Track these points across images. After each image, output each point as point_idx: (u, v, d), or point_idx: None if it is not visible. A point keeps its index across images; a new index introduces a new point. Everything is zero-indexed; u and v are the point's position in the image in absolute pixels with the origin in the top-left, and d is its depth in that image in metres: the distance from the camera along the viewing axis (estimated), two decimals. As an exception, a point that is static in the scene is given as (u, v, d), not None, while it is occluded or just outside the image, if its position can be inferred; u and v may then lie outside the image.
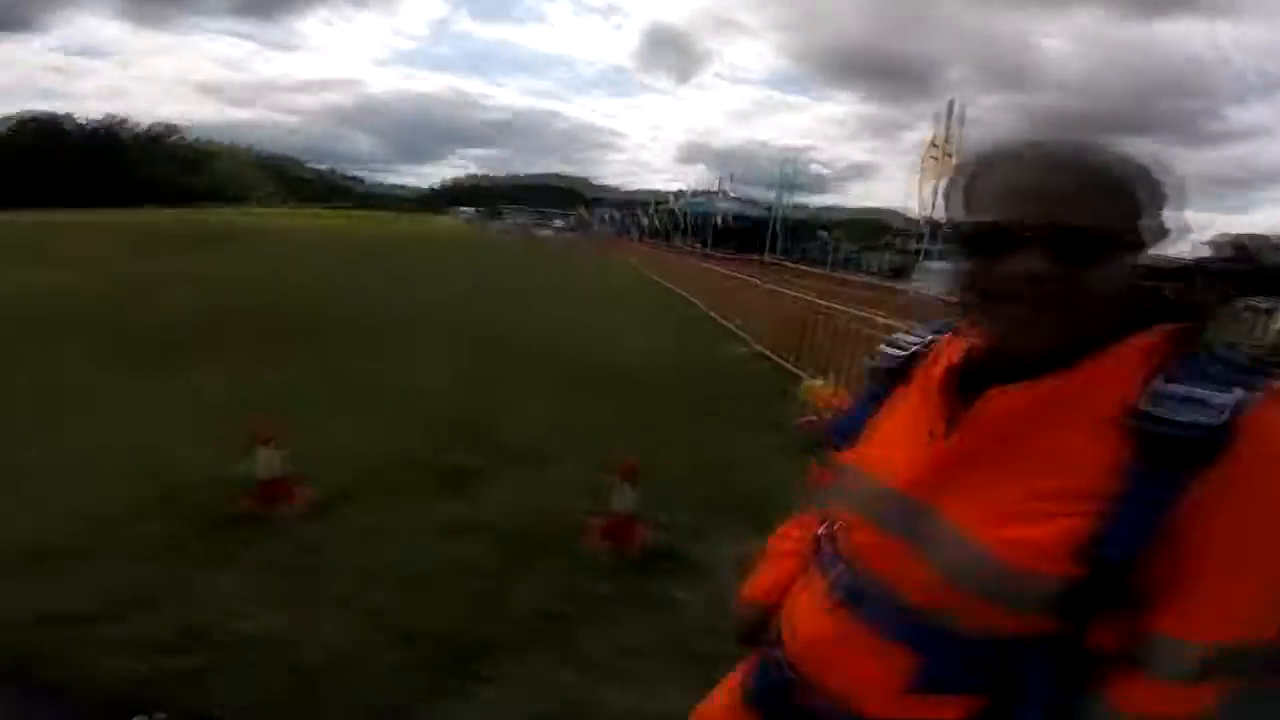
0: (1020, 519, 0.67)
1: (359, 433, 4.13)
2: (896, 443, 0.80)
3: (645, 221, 39.30)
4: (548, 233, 50.11)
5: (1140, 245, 0.70)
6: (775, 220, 17.53)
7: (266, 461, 3.08)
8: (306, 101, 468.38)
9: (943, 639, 0.73)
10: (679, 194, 45.21)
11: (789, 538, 1.03)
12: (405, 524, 3.08)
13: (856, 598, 0.79)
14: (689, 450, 4.32)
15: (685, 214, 33.64)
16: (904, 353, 0.87)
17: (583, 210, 62.38)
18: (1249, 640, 0.67)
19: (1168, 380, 0.65)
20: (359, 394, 5.05)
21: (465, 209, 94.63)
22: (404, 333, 7.63)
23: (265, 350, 6.20)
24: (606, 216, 59.18)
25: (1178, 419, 0.63)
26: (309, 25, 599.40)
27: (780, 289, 8.76)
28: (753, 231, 38.53)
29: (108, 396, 4.66)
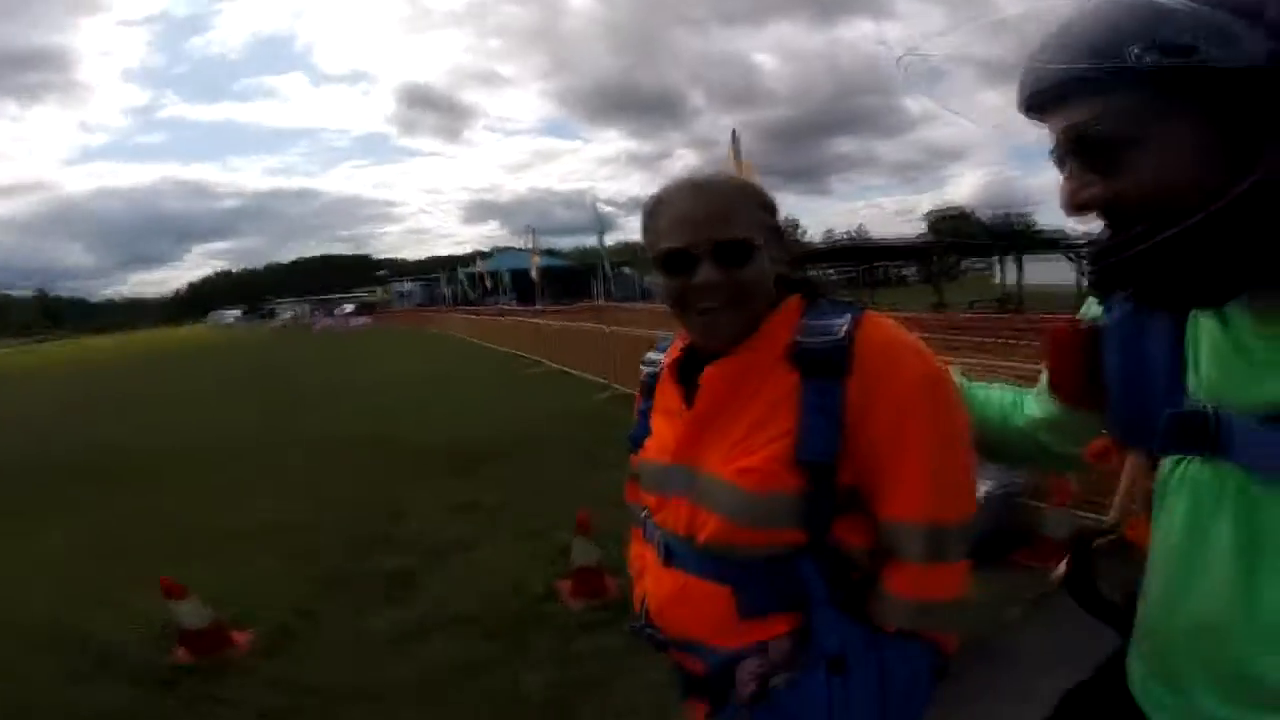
0: (745, 453, 0.88)
1: (248, 568, 3.72)
2: (663, 429, 1.01)
3: (449, 289, 38.23)
4: (333, 320, 46.56)
5: (773, 240, 0.94)
6: (603, 263, 18.37)
7: (192, 612, 2.73)
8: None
9: (740, 568, 0.90)
10: (486, 253, 44.63)
11: (640, 556, 1.13)
12: (371, 640, 2.87)
13: (671, 555, 0.97)
14: (600, 500, 4.37)
15: (497, 273, 33.09)
16: (654, 367, 1.08)
17: (380, 288, 58.31)
18: (946, 519, 0.87)
19: (807, 321, 0.91)
20: (218, 533, 4.43)
21: (227, 311, 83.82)
22: (236, 459, 6.76)
23: (76, 498, 5.29)
24: (406, 290, 56.28)
25: (815, 341, 0.88)
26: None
27: (621, 329, 9.10)
28: (569, 279, 39.22)
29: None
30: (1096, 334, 0.79)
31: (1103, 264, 0.65)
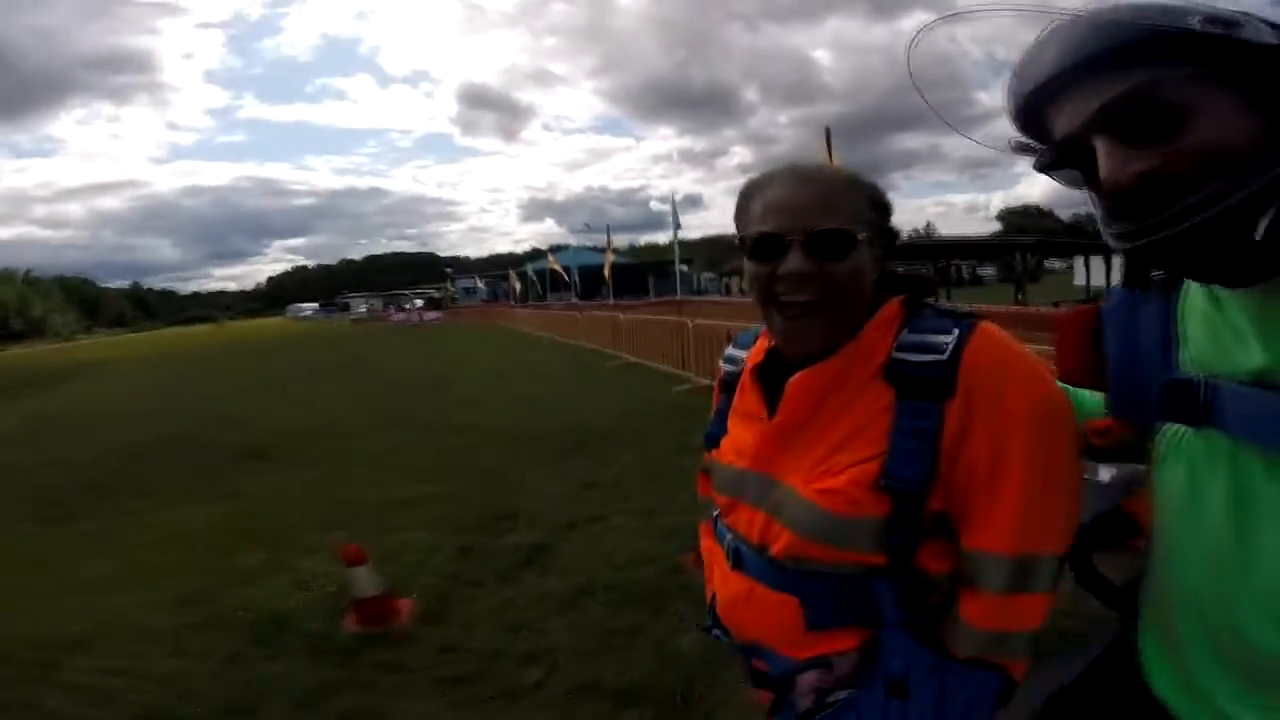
0: (828, 473, 0.83)
1: (391, 540, 3.96)
2: (741, 433, 0.96)
3: (518, 285, 39.33)
4: (406, 314, 48.26)
5: (878, 240, 0.89)
6: (676, 260, 18.75)
7: (364, 579, 2.96)
8: (78, 212, 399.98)
9: (810, 582, 0.86)
10: (543, 250, 45.71)
11: (710, 551, 1.11)
12: (523, 606, 3.05)
13: (742, 561, 0.94)
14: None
15: (568, 269, 33.85)
16: (735, 365, 1.03)
17: (449, 284, 59.92)
18: (1037, 552, 0.82)
19: (908, 333, 0.84)
20: (356, 508, 4.69)
21: (304, 305, 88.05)
22: (354, 440, 7.13)
23: (215, 476, 5.72)
24: (475, 285, 57.61)
25: (915, 358, 0.82)
26: (63, 128, 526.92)
27: (704, 322, 9.18)
28: (630, 275, 39.74)
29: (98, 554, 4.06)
30: (1098, 318, 0.81)
31: (1152, 238, 0.61)
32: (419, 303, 58.08)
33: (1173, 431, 0.74)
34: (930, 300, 0.90)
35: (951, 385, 0.79)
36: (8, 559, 4.17)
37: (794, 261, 0.83)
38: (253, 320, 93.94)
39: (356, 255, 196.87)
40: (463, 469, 5.51)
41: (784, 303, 0.85)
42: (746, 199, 0.91)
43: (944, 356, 0.80)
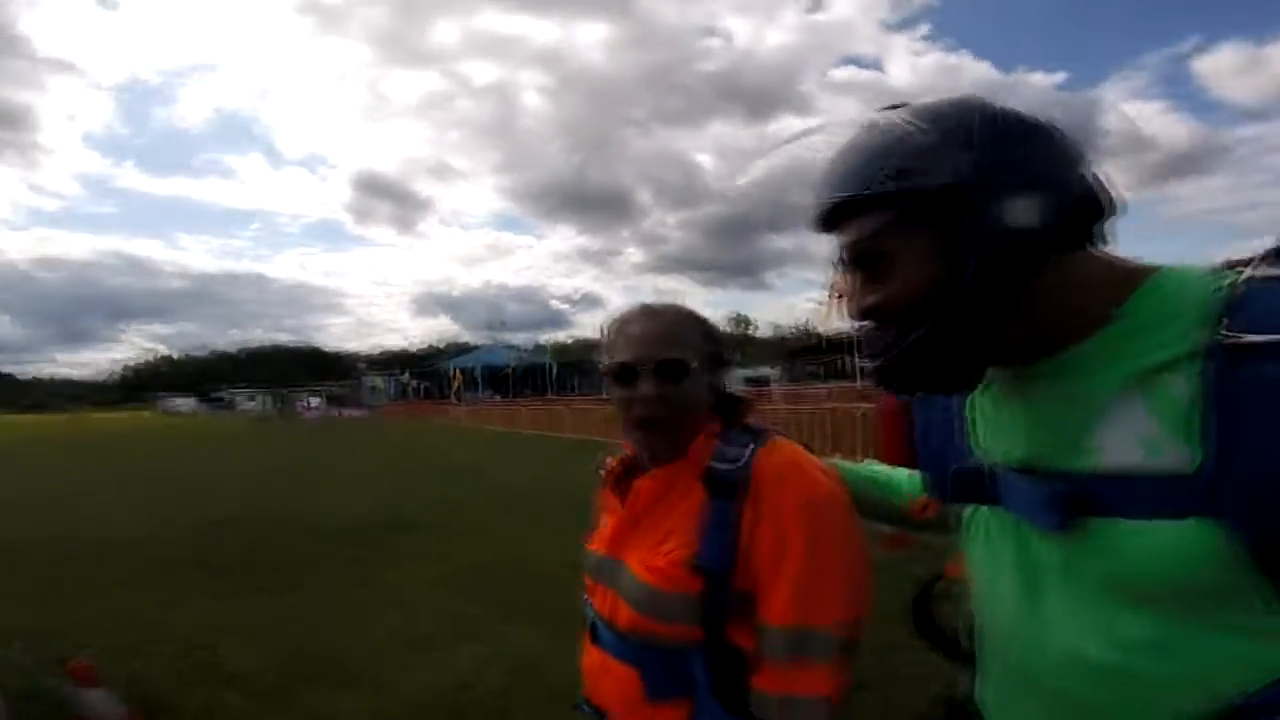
0: (655, 557, 1.02)
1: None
2: (603, 525, 1.16)
3: (456, 382, 39.21)
4: (323, 412, 45.97)
5: (710, 366, 1.09)
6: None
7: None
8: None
9: (647, 654, 1.02)
10: (441, 349, 45.84)
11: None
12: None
13: (597, 634, 1.10)
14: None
15: (477, 369, 34.02)
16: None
17: (372, 379, 56.62)
18: (811, 624, 0.95)
19: (720, 446, 1.04)
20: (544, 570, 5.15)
21: (179, 398, 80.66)
22: (457, 528, 7.37)
23: (355, 554, 5.92)
24: (375, 384, 55.12)
25: (721, 467, 1.02)
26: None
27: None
28: (537, 375, 40.99)
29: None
30: (909, 411, 0.93)
31: (876, 366, 0.74)
32: (314, 400, 55.11)
33: (973, 507, 0.83)
34: (745, 418, 1.09)
35: (745, 486, 0.98)
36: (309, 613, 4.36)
37: (644, 387, 1.03)
38: (112, 412, 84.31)
39: (228, 347, 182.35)
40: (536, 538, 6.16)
41: (639, 418, 1.05)
42: (609, 333, 1.11)
43: (739, 465, 1.00)
